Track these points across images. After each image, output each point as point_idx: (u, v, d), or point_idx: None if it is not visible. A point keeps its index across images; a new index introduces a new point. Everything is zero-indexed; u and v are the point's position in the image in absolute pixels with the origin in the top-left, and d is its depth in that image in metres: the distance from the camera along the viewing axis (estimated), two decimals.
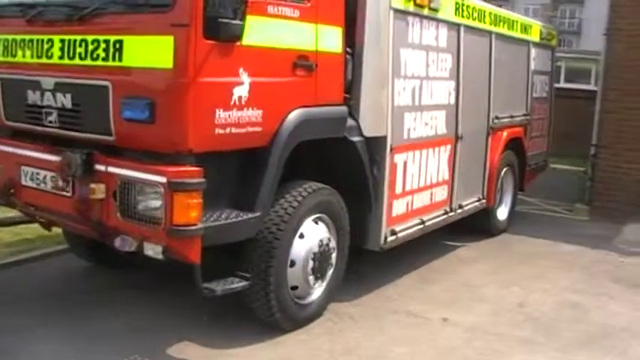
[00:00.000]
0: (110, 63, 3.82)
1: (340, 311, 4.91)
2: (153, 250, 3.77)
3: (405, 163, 5.39)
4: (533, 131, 8.14)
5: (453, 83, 6.04)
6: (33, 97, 4.26)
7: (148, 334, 4.37)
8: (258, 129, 4.02)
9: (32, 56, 4.25)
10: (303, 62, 4.29)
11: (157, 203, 3.64)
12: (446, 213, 6.18)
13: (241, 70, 3.85)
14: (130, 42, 3.74)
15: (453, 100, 6.07)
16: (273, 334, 4.43)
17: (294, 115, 4.25)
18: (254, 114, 3.96)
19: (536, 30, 7.93)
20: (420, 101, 5.53)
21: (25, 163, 4.38)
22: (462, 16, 6.08)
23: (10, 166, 4.49)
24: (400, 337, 4.58)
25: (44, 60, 4.17)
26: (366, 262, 5.65)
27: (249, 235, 4.09)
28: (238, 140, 3.93)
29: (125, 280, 5.33)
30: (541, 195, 9.42)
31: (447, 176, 6.10)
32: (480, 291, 5.60)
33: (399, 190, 5.33)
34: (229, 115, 3.81)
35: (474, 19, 6.30)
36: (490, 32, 6.66)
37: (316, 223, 4.58)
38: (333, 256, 4.72)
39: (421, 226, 5.72)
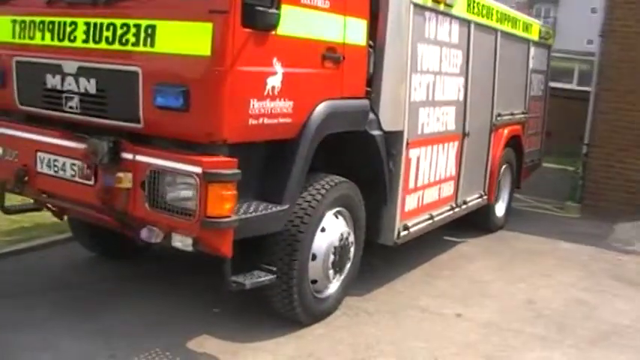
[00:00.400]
0: (141, 48, 3.69)
1: (354, 305, 4.89)
2: (182, 242, 3.67)
3: (419, 159, 5.39)
4: (529, 129, 8.22)
5: (462, 79, 6.04)
6: (52, 81, 4.10)
7: (165, 328, 4.27)
8: (288, 120, 3.96)
9: (52, 39, 4.08)
10: (332, 54, 4.24)
11: (190, 194, 3.55)
12: (452, 209, 6.20)
13: (275, 59, 3.78)
14: (164, 27, 3.62)
15: (462, 97, 6.08)
16: (292, 327, 4.39)
17: (321, 107, 4.19)
18: (285, 105, 3.90)
19: (535, 29, 8.00)
20: (433, 97, 5.53)
21: (42, 149, 4.20)
22: (473, 13, 6.08)
23: (24, 153, 4.30)
24: (417, 332, 4.58)
25: (66, 43, 4.02)
26: (376, 255, 5.64)
27: (277, 228, 4.03)
28: (269, 131, 3.86)
29: (137, 272, 5.22)
30: (531, 192, 9.52)
31: (453, 172, 6.11)
32: (488, 287, 5.64)
33: (411, 185, 5.32)
34: (263, 106, 3.74)
35: (482, 16, 6.31)
36: (496, 30, 6.69)
37: (336, 217, 4.54)
38: (352, 250, 4.70)
39: (430, 221, 5.73)
